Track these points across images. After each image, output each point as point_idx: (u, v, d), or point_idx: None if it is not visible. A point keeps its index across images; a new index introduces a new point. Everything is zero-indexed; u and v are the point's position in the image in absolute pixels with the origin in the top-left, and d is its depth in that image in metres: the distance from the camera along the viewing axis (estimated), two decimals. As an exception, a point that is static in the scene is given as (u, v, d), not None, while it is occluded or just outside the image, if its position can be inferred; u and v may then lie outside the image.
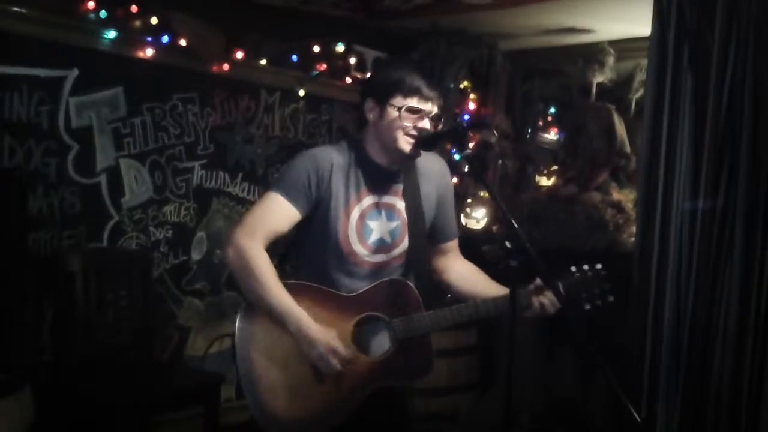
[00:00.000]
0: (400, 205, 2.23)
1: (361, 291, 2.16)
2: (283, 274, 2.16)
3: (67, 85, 3.41)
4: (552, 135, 4.93)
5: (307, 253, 2.22)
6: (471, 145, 4.60)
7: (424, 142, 2.15)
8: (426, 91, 2.11)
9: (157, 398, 3.17)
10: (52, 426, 2.99)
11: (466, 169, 4.76)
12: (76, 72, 3.43)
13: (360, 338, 2.14)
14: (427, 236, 2.29)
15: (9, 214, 3.08)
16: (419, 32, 4.70)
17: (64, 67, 3.40)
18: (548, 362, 4.18)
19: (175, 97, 3.82)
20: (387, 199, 2.22)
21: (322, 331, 2.05)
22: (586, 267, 2.23)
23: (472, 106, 4.83)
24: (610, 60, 4.41)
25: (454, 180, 4.80)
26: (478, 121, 4.66)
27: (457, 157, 4.73)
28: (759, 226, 2.87)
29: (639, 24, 3.95)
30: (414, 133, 2.11)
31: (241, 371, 2.08)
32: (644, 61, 3.67)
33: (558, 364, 4.16)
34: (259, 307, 2.09)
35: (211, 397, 3.29)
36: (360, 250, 2.18)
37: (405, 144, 2.12)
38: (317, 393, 2.08)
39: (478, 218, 4.58)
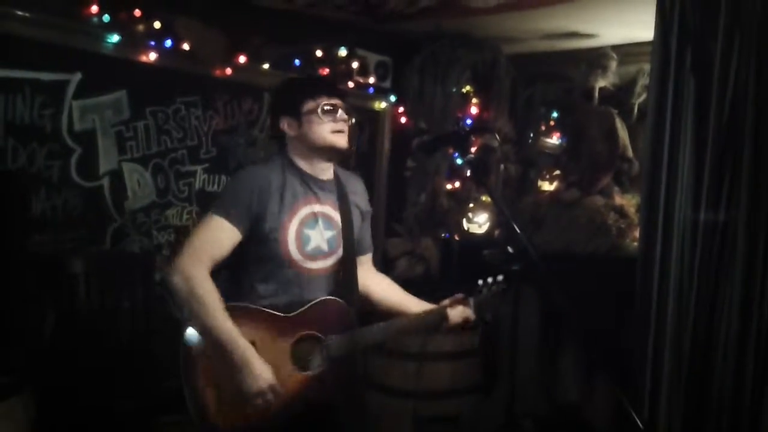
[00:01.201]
0: (335, 215, 2.33)
1: (299, 311, 2.23)
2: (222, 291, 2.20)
3: (71, 89, 3.42)
4: (554, 139, 4.92)
5: (245, 269, 2.26)
6: (473, 149, 4.60)
7: (426, 146, 2.19)
8: (328, 88, 2.28)
9: (159, 401, 3.17)
10: (54, 428, 2.99)
11: (468, 174, 4.76)
12: (79, 75, 3.44)
13: (298, 356, 2.21)
14: (358, 244, 2.42)
15: (11, 216, 3.09)
16: (423, 36, 4.70)
17: (68, 71, 3.41)
18: (551, 366, 4.17)
19: (178, 101, 3.83)
20: (323, 208, 2.31)
21: (263, 371, 2.10)
22: (490, 280, 2.39)
23: (474, 110, 4.83)
24: (613, 64, 4.41)
25: (456, 184, 4.83)
26: (481, 126, 4.67)
27: (459, 161, 4.73)
28: (761, 231, 2.85)
29: (642, 28, 3.94)
30: (338, 127, 2.24)
31: (185, 387, 2.17)
32: (647, 66, 3.67)
33: (561, 367, 4.15)
34: (202, 334, 2.14)
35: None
36: (299, 258, 2.25)
37: (336, 139, 2.25)
38: (253, 407, 2.13)
39: (480, 223, 4.58)
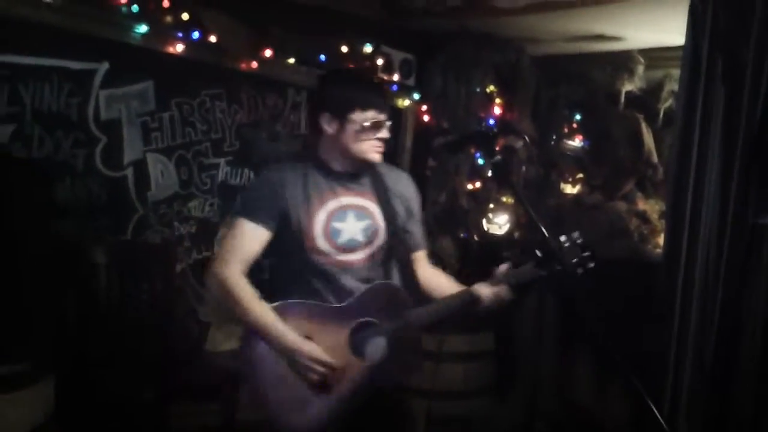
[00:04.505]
0: (369, 204, 2.28)
1: (351, 299, 2.20)
2: (272, 294, 2.22)
3: (98, 78, 3.43)
4: (577, 142, 4.90)
5: (288, 268, 2.27)
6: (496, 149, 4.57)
7: (451, 146, 2.17)
8: (381, 101, 2.20)
9: (176, 392, 3.19)
10: (72, 417, 3.01)
11: (489, 174, 4.74)
12: (106, 65, 3.45)
13: (356, 345, 2.18)
14: (404, 232, 2.33)
15: (36, 203, 3.10)
16: (447, 35, 4.69)
17: (96, 60, 3.42)
18: (565, 369, 4.16)
19: (203, 93, 3.84)
20: (354, 200, 2.26)
21: (302, 342, 2.12)
22: (563, 238, 2.19)
23: (497, 110, 4.81)
24: (640, 69, 4.38)
25: (477, 184, 4.81)
26: (507, 127, 4.64)
27: (480, 161, 4.72)
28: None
29: (670, 33, 3.91)
30: (378, 144, 2.21)
31: (247, 384, 2.22)
32: (674, 71, 3.64)
33: (575, 370, 4.14)
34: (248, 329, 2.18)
35: (228, 393, 3.30)
36: (332, 251, 2.22)
37: (373, 154, 2.22)
38: (318, 399, 2.14)
39: (500, 224, 4.56)
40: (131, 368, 3.21)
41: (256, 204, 2.21)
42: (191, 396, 3.33)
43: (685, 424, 3.04)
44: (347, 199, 2.26)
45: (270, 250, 2.22)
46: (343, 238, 2.23)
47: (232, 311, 2.18)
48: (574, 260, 2.14)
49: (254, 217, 2.19)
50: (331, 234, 2.22)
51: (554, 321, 3.96)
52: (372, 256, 2.27)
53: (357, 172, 2.28)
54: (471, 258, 4.57)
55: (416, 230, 2.41)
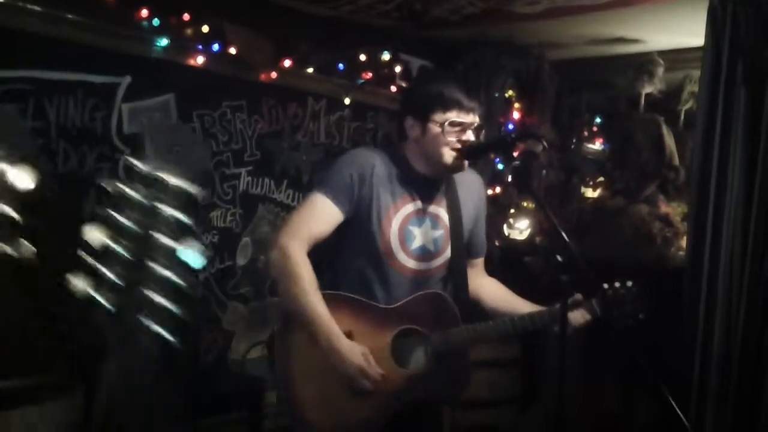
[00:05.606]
0: (444, 214, 2.22)
1: (399, 303, 2.14)
2: (319, 282, 2.14)
3: (121, 92, 3.47)
4: (597, 145, 4.88)
5: (346, 259, 2.20)
6: (515, 154, 4.56)
7: (471, 152, 2.14)
8: (466, 102, 2.10)
9: (201, 401, 3.21)
10: (101, 429, 3.04)
11: (509, 179, 4.73)
12: (129, 79, 3.49)
13: (398, 351, 2.13)
14: (466, 248, 2.28)
15: (63, 217, 3.15)
16: (466, 42, 4.69)
17: (118, 74, 3.46)
18: (591, 380, 4.12)
19: (224, 105, 3.87)
20: (431, 207, 2.21)
21: (351, 349, 2.05)
22: (617, 284, 2.16)
23: (517, 115, 4.80)
24: (660, 71, 4.33)
25: (497, 190, 4.80)
26: (528, 132, 4.62)
27: (500, 167, 4.71)
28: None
29: (689, 35, 3.89)
30: (458, 146, 2.10)
31: (279, 383, 2.14)
32: (694, 72, 3.61)
33: (601, 382, 4.10)
34: (293, 312, 2.11)
35: (254, 402, 3.32)
36: (401, 255, 2.16)
37: (450, 158, 2.12)
38: (352, 404, 2.09)
39: (521, 229, 4.55)
40: (154, 378, 3.24)
41: (338, 184, 2.12)
42: (217, 405, 3.35)
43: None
44: (425, 205, 2.20)
45: (336, 233, 2.15)
46: (416, 245, 2.18)
47: (283, 286, 2.10)
48: (623, 310, 2.12)
49: (333, 195, 2.11)
50: (405, 238, 2.16)
51: (579, 329, 3.93)
52: (436, 268, 2.22)
53: (439, 178, 2.20)
54: (492, 264, 4.55)
55: (479, 236, 2.36)
